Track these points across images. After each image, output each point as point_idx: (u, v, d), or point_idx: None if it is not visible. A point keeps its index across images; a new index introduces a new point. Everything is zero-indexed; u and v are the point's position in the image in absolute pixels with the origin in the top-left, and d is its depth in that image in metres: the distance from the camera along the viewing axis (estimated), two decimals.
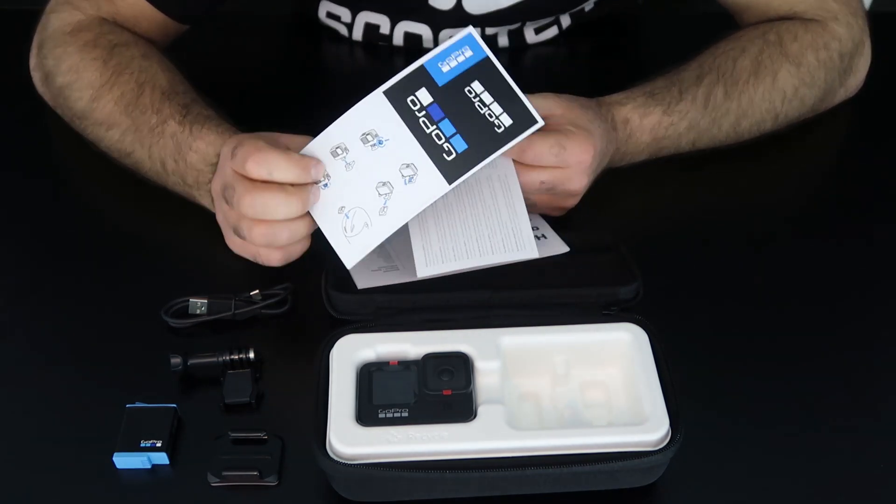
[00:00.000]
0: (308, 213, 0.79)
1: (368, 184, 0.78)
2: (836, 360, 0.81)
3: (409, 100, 0.79)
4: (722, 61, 0.95)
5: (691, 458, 0.71)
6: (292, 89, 1.07)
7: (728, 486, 0.73)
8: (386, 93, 0.79)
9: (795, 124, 0.98)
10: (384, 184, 0.78)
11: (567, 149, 0.83)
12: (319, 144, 0.79)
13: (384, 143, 0.79)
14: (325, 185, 0.79)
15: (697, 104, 0.93)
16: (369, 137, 0.79)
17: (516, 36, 1.12)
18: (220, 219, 0.84)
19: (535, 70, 1.13)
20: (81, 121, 0.94)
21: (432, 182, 0.77)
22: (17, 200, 0.95)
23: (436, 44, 1.10)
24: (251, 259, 0.82)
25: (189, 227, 0.91)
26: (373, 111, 0.79)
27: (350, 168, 0.79)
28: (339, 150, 0.79)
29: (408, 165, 0.78)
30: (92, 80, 0.92)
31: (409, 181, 0.78)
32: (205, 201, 0.87)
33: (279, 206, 0.77)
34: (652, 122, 0.91)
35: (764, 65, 0.95)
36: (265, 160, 0.77)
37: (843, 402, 0.78)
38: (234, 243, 0.83)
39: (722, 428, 0.76)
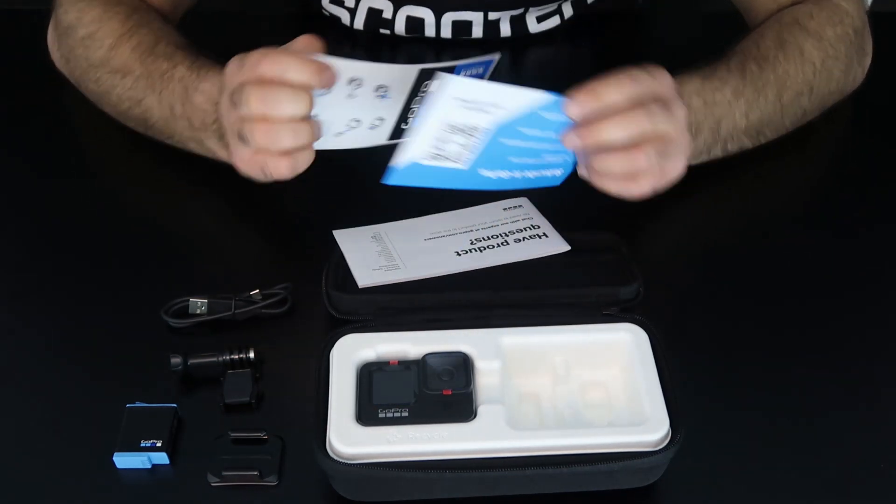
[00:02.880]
0: (311, 120, 0.79)
1: (347, 113, 0.82)
2: (836, 359, 0.81)
3: (425, 84, 0.82)
4: (744, 46, 0.95)
5: (691, 458, 0.71)
6: None
7: (728, 486, 0.73)
8: (422, 71, 0.82)
9: (810, 119, 0.98)
10: (356, 120, 0.83)
11: (650, 69, 0.82)
12: (341, 65, 0.79)
13: (384, 97, 0.82)
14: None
15: (734, 74, 0.91)
16: (380, 89, 0.82)
17: (518, 23, 1.12)
18: (228, 132, 0.84)
19: (538, 62, 1.14)
20: (97, 70, 0.95)
21: (381, 133, 0.84)
22: (17, 200, 0.95)
23: (438, 28, 1.10)
24: (259, 176, 0.82)
25: (190, 226, 0.91)
26: (400, 76, 0.82)
27: (348, 98, 0.81)
28: (352, 81, 0.80)
29: (381, 119, 0.84)
30: (114, 29, 0.95)
31: (371, 128, 0.84)
32: (210, 143, 0.89)
33: (285, 103, 0.77)
34: (694, 86, 0.89)
35: (788, 42, 0.94)
36: (279, 60, 0.77)
37: (844, 402, 0.78)
38: (242, 157, 0.82)
39: (722, 428, 0.76)
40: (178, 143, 0.92)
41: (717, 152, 0.92)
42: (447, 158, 0.79)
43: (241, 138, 0.80)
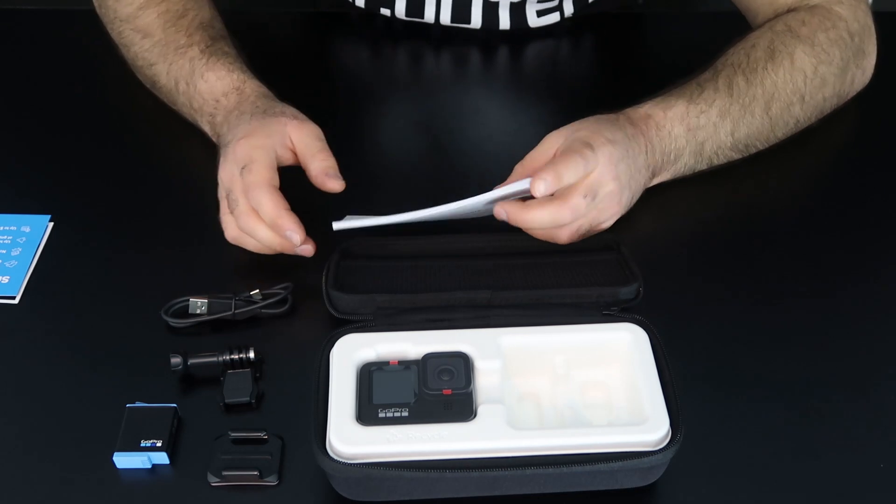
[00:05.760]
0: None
1: None
2: (836, 360, 0.81)
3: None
4: (734, 58, 0.95)
5: (691, 458, 0.72)
6: (298, 85, 1.08)
7: (728, 486, 0.73)
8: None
9: (806, 125, 0.98)
10: None
11: (595, 148, 0.83)
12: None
13: None
14: None
15: (721, 92, 0.92)
16: None
17: (517, 14, 1.12)
18: (220, 193, 0.87)
19: (538, 59, 1.14)
20: (122, 24, 1.01)
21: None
22: (16, 199, 0.95)
23: (437, 9, 1.11)
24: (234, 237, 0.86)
25: (190, 226, 0.91)
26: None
27: None
28: None
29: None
30: None
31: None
32: (205, 128, 0.95)
33: (260, 234, 0.83)
34: (678, 111, 0.91)
35: (778, 50, 0.95)
36: (259, 203, 0.82)
37: (844, 402, 0.78)
38: (223, 208, 0.86)
39: (722, 428, 0.76)
40: (178, 111, 0.98)
41: (703, 167, 0.94)
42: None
43: (230, 202, 0.85)
